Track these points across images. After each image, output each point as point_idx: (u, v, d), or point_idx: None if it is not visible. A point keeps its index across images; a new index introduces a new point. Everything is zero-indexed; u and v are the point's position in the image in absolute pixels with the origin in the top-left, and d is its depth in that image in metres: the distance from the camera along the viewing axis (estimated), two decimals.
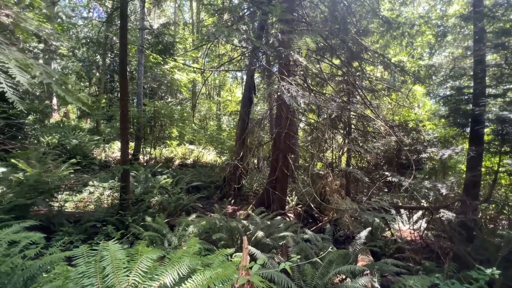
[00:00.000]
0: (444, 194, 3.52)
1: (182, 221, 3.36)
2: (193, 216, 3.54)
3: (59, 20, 15.59)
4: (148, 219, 3.37)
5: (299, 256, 1.69)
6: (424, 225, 5.90)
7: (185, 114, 14.19)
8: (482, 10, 5.66)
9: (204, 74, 10.31)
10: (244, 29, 6.05)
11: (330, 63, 7.03)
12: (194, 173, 8.21)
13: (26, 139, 7.11)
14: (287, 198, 7.67)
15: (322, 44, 6.91)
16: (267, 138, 8.07)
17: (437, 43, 6.40)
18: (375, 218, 4.42)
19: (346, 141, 6.72)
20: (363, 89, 7.42)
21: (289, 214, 7.32)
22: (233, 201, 7.00)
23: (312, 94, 6.65)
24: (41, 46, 11.06)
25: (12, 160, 5.06)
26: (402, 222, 6.33)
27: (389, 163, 7.80)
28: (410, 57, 7.77)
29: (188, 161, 11.11)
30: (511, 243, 3.33)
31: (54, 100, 14.22)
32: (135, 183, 5.36)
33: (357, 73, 6.22)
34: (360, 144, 5.96)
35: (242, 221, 3.33)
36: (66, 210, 4.28)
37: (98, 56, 15.18)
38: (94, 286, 1.23)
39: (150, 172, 6.96)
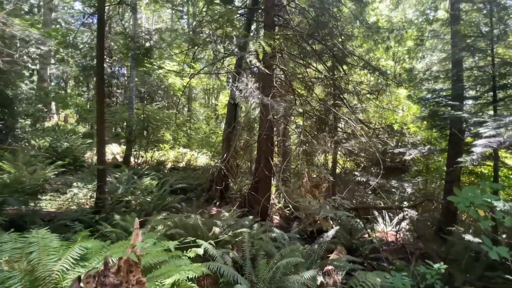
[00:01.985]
0: (409, 193, 3.57)
1: (151, 220, 3.46)
2: (164, 214, 3.64)
3: (58, 26, 15.96)
4: (117, 217, 3.47)
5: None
6: (406, 226, 5.95)
7: (181, 118, 14.36)
8: (459, 15, 5.79)
9: (185, 78, 10.48)
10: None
11: (314, 68, 7.16)
12: (182, 175, 8.31)
13: (17, 141, 7.26)
14: (274, 200, 7.73)
15: (308, 49, 7.07)
16: (253, 141, 8.17)
17: (417, 47, 6.51)
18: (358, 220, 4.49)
19: (330, 143, 6.81)
20: (349, 93, 7.53)
21: (274, 216, 7.37)
22: (218, 203, 7.08)
23: (294, 97, 6.78)
24: (38, 51, 11.33)
25: None
26: (385, 223, 6.37)
27: (377, 164, 7.88)
28: (395, 61, 7.89)
29: (181, 165, 11.23)
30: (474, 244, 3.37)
31: (53, 105, 14.49)
32: (117, 184, 5.46)
33: (336, 77, 6.32)
34: (343, 146, 6.04)
35: (202, 219, 3.43)
36: (45, 209, 4.39)
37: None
38: (17, 270, 1.33)
39: (137, 174, 7.07)
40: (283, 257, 2.58)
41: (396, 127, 7.44)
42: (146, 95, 16.74)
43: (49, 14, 12.41)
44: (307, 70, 7.79)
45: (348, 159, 9.23)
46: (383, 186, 4.31)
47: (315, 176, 7.04)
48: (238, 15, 6.65)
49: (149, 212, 4.73)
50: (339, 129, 7.72)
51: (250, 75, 9.41)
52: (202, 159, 11.99)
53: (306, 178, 4.68)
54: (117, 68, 17.43)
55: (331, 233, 3.83)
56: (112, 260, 1.17)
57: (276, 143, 8.05)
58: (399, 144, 7.32)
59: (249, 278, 2.41)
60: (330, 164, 8.51)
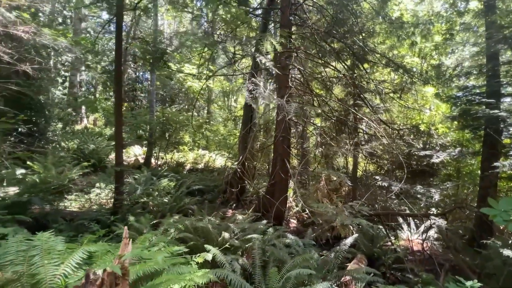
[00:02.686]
0: (436, 199, 3.26)
1: (164, 222, 3.47)
2: (176, 217, 3.64)
3: (87, 34, 16.98)
4: (131, 218, 3.53)
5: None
6: (434, 235, 5.50)
7: (200, 120, 14.58)
8: (494, 4, 5.28)
9: (203, 81, 10.61)
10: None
11: (333, 67, 6.90)
12: (200, 177, 8.39)
13: (48, 144, 7.75)
14: (292, 203, 7.54)
15: (327, 47, 6.84)
16: (270, 143, 8.05)
17: (445, 42, 6.03)
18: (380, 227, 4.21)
19: (350, 145, 6.51)
20: (371, 92, 7.18)
21: (292, 220, 7.18)
22: (234, 205, 7.04)
23: (312, 97, 6.57)
24: (70, 58, 12.14)
25: (28, 163, 5.57)
26: (410, 231, 5.94)
27: (401, 168, 7.41)
28: (422, 57, 7.39)
29: (199, 166, 11.37)
30: None
31: (83, 109, 15.39)
32: (136, 185, 5.61)
33: (356, 75, 6.03)
34: (361, 148, 5.74)
35: (214, 222, 3.37)
36: (69, 209, 4.60)
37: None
38: (20, 272, 1.34)
39: (156, 175, 7.24)
40: (295, 266, 2.44)
41: (422, 127, 6.95)
42: (167, 98, 17.25)
43: (79, 24, 13.23)
44: (326, 69, 7.56)
45: (370, 162, 8.80)
46: (408, 191, 3.99)
47: (334, 179, 6.77)
48: (253, 16, 6.58)
49: (165, 213, 4.78)
50: (360, 130, 7.37)
51: (267, 76, 9.33)
52: (220, 160, 12.07)
53: (323, 181, 4.48)
54: (141, 73, 18.20)
55: (349, 240, 3.61)
56: (96, 272, 1.13)
57: (293, 145, 7.88)
58: (427, 146, 6.83)
59: (259, 287, 2.30)
60: (351, 167, 8.17)
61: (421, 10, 7.69)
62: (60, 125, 10.60)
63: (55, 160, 6.41)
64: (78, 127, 13.18)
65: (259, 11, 7.69)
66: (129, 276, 1.17)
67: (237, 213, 4.50)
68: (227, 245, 2.76)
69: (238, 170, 6.29)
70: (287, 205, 6.91)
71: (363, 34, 6.66)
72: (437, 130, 6.91)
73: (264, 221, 4.01)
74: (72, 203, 5.28)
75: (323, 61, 6.86)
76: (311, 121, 7.88)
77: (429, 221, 3.92)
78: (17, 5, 5.62)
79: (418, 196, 3.71)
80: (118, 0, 4.09)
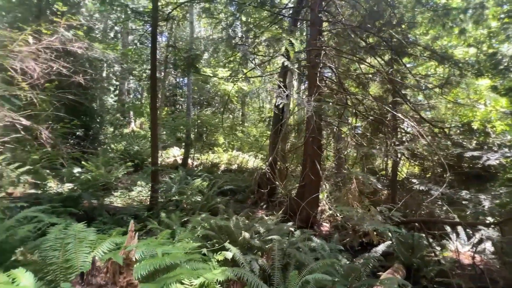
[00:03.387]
0: (487, 206, 2.85)
1: (192, 220, 3.64)
2: (203, 216, 3.79)
3: (134, 46, 18.65)
4: (163, 215, 3.78)
5: None
6: (491, 248, 4.82)
7: (234, 122, 14.98)
8: None
9: (237, 84, 10.85)
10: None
11: (368, 64, 6.52)
12: (232, 177, 8.59)
13: (100, 146, 8.70)
14: (325, 206, 7.29)
15: (361, 43, 6.50)
16: (300, 143, 7.90)
17: (502, 27, 5.25)
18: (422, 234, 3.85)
19: (388, 146, 6.06)
20: (412, 88, 6.63)
21: (324, 224, 6.95)
22: (264, 206, 7.06)
23: (345, 96, 6.28)
24: (119, 69, 13.51)
25: (83, 163, 6.32)
26: (459, 242, 5.29)
27: (446, 170, 6.65)
28: (474, 46, 6.54)
29: (233, 167, 11.66)
30: None
31: (131, 114, 16.94)
32: (172, 184, 5.98)
33: (392, 70, 5.60)
34: (400, 149, 5.28)
35: (239, 222, 3.41)
36: (113, 204, 5.12)
37: (163, 74, 17.54)
38: (56, 257, 1.54)
39: (191, 175, 7.63)
40: (314, 270, 2.36)
41: (476, 125, 6.13)
42: (204, 102, 18.06)
43: (127, 37, 14.60)
44: (361, 66, 7.16)
45: (412, 164, 8.06)
46: (451, 197, 3.56)
47: (370, 182, 6.35)
48: (281, 16, 6.54)
49: (196, 211, 5.01)
50: (402, 129, 6.81)
51: (300, 76, 9.17)
52: (252, 161, 12.23)
53: (354, 184, 4.24)
54: (180, 79, 19.38)
55: (380, 247, 3.36)
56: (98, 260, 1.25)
57: (324, 146, 7.61)
58: (483, 146, 6.00)
59: None
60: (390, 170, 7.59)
61: None
62: (110, 129, 11.85)
63: (105, 160, 7.18)
64: (126, 130, 14.54)
65: (289, 11, 7.63)
66: (133, 266, 1.27)
67: (264, 214, 4.51)
68: (248, 245, 2.79)
69: (267, 171, 6.30)
70: (320, 208, 6.71)
71: (403, 26, 6.16)
72: (494, 128, 6.05)
73: (290, 223, 3.95)
74: (117, 199, 5.83)
75: (357, 58, 6.52)
76: (346, 120, 7.54)
77: (480, 231, 3.44)
78: (74, 24, 6.42)
79: (464, 202, 3.27)
80: (153, 12, 4.44)
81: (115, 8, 5.76)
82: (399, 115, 5.12)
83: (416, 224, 5.20)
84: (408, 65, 7.22)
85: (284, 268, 2.58)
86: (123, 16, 7.57)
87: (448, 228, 5.41)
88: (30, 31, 3.76)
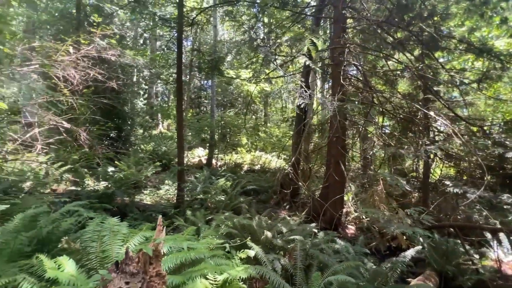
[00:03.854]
0: None
1: (216, 218, 3.75)
2: (226, 214, 3.88)
3: (161, 51, 19.56)
4: (188, 213, 3.93)
5: None
6: None
7: (258, 123, 15.06)
8: None
9: (260, 85, 10.90)
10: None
11: (396, 60, 6.22)
12: (255, 177, 8.66)
13: (131, 146, 9.24)
14: (350, 208, 7.09)
15: (389, 38, 6.24)
16: (324, 143, 7.75)
17: None
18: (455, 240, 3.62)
19: (419, 146, 5.74)
20: (446, 84, 6.23)
21: (350, 226, 6.76)
22: (288, 206, 7.03)
23: (371, 94, 6.05)
24: (148, 73, 14.26)
25: (116, 162, 6.75)
26: (502, 250, 4.85)
27: (484, 172, 6.13)
28: None
29: (256, 167, 11.75)
30: None
31: (159, 116, 17.76)
32: (197, 183, 6.19)
33: (422, 66, 5.30)
34: (431, 149, 4.96)
35: (262, 221, 3.43)
36: (143, 202, 5.42)
37: (188, 77, 18.19)
38: (95, 247, 1.69)
39: (215, 175, 7.83)
40: (337, 271, 2.31)
41: None
42: (228, 103, 18.41)
43: (155, 43, 15.35)
44: (388, 62, 6.85)
45: (447, 165, 7.54)
46: (490, 201, 3.29)
47: (398, 184, 6.04)
48: (304, 15, 6.49)
49: (220, 210, 5.14)
50: (434, 128, 6.42)
51: (324, 74, 9.01)
52: (276, 162, 12.21)
53: (381, 185, 4.08)
54: (204, 82, 19.94)
55: (410, 252, 3.20)
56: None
57: (350, 146, 7.40)
58: None
59: None
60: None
61: None
62: (140, 131, 12.53)
63: (135, 160, 7.62)
64: (154, 132, 15.29)
65: (312, 10, 7.54)
66: (161, 258, 1.36)
67: (286, 214, 4.50)
68: (270, 244, 2.81)
69: (290, 171, 6.27)
70: (344, 209, 6.53)
71: (435, 18, 5.80)
72: None
73: (313, 224, 3.90)
74: (147, 197, 6.16)
75: (384, 54, 6.26)
76: (372, 119, 7.26)
77: None
78: (108, 34, 6.90)
79: (506, 207, 3.00)
80: (179, 19, 4.65)
81: (144, 16, 6.11)
82: (431, 113, 4.82)
83: (451, 229, 4.87)
84: (441, 60, 6.80)
85: (306, 269, 2.56)
86: (151, 24, 8.00)
87: (488, 235, 4.99)
88: (70, 42, 4.13)
